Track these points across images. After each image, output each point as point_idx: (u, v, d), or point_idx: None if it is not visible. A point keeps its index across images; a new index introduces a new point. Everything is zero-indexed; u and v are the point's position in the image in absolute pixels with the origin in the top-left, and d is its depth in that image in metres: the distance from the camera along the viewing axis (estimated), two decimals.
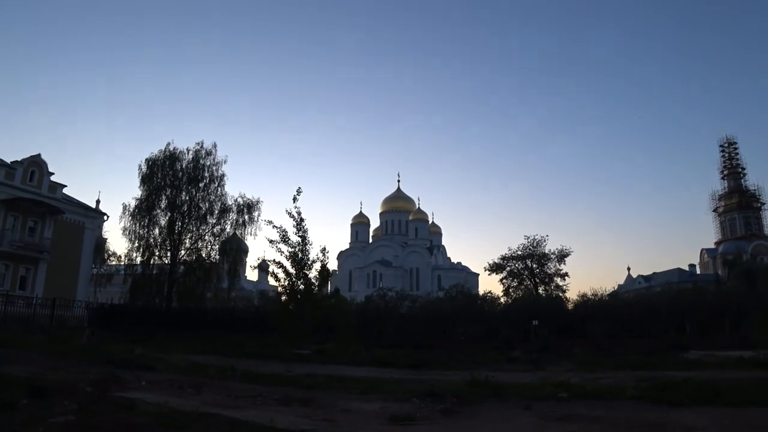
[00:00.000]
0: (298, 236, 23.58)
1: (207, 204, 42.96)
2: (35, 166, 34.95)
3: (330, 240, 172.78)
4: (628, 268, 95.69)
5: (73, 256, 36.52)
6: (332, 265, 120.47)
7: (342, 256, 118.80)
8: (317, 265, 24.18)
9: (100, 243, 52.27)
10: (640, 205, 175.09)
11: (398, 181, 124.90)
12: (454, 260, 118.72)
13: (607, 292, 48.47)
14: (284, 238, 23.37)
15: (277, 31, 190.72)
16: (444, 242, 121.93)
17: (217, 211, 43.41)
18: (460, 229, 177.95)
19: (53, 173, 35.94)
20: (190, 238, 42.19)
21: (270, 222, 24.99)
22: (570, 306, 45.78)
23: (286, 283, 24.02)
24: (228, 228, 44.51)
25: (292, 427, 7.11)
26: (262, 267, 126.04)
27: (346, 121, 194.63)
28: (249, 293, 70.92)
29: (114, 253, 49.95)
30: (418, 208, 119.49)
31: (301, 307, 23.10)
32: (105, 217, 40.41)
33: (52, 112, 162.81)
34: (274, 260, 24.36)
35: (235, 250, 45.81)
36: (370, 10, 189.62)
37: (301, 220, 23.67)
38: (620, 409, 8.18)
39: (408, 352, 23.07)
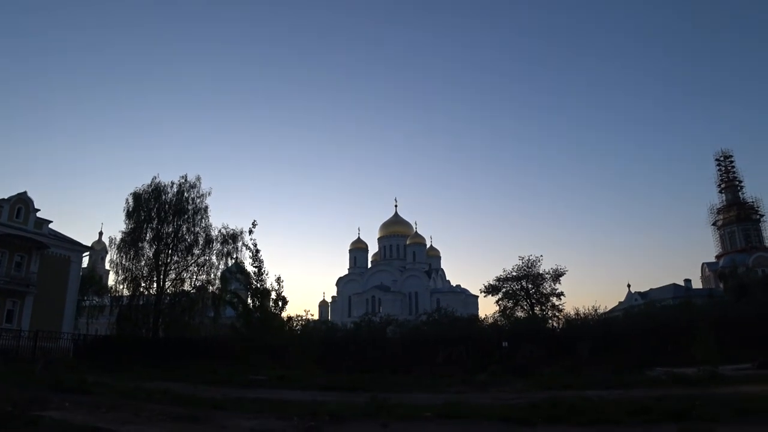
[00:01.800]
0: (254, 267, 24.68)
1: (191, 236, 43.96)
2: (21, 203, 36.49)
3: (329, 266, 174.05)
4: (629, 285, 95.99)
5: (59, 289, 37.79)
6: (331, 291, 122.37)
7: (341, 281, 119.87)
8: (273, 295, 25.12)
9: (94, 275, 53.58)
10: (641, 221, 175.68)
11: (395, 206, 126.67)
12: (454, 283, 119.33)
13: (605, 310, 48.79)
14: (240, 270, 24.50)
15: (269, 57, 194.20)
16: (443, 265, 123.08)
17: (201, 243, 44.37)
18: (459, 251, 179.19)
19: (39, 210, 37.47)
20: (175, 269, 43.14)
21: (229, 254, 26.02)
22: (563, 325, 46.09)
23: (242, 312, 25.01)
24: (213, 258, 45.29)
25: None
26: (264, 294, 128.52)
27: (343, 148, 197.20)
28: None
29: (105, 285, 51.05)
30: (416, 232, 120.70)
31: (258, 334, 24.06)
32: (91, 251, 41.55)
33: (39, 149, 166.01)
34: (231, 290, 25.41)
35: (222, 279, 46.55)
36: (360, 31, 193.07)
37: (257, 251, 24.78)
38: (465, 427, 9.14)
39: (372, 377, 23.86)
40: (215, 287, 45.46)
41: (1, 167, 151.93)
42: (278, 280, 25.17)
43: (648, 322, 39.62)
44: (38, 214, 37.48)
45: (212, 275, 44.94)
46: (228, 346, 30.04)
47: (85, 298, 49.14)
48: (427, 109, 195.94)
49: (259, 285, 23.44)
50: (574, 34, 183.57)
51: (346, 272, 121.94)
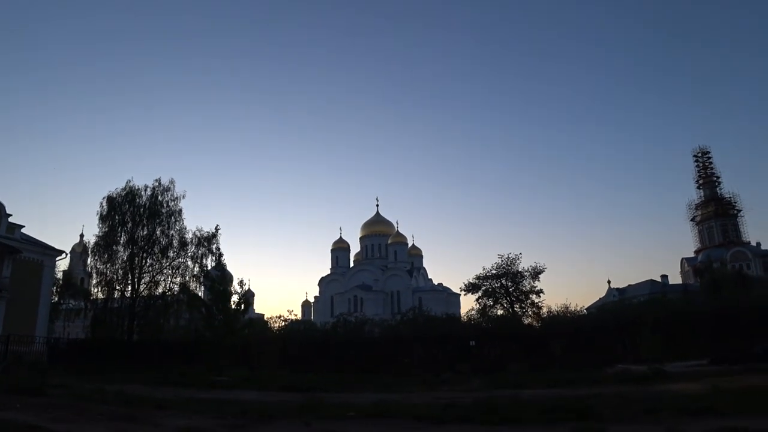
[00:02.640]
0: (216, 271, 25.25)
1: (166, 238, 44.30)
2: None
3: (312, 266, 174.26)
4: (609, 282, 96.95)
5: (33, 294, 37.92)
6: (314, 291, 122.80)
7: (323, 281, 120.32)
8: (235, 297, 25.68)
9: (72, 279, 53.59)
10: (622, 217, 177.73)
11: (377, 205, 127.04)
12: (436, 281, 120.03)
13: (580, 308, 49.53)
14: (205, 274, 25.05)
15: (252, 54, 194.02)
16: (425, 264, 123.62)
17: (176, 245, 44.65)
18: (441, 250, 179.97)
19: (11, 215, 37.58)
20: (150, 272, 43.44)
21: (204, 256, 26.49)
22: (537, 323, 46.80)
23: (204, 315, 25.57)
24: (188, 261, 45.51)
25: None
26: (247, 295, 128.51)
27: (324, 147, 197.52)
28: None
29: (84, 289, 51.14)
30: (397, 231, 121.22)
31: (220, 337, 24.62)
32: (64, 254, 41.76)
33: (9, 152, 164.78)
34: (194, 294, 25.93)
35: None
36: (345, 28, 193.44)
37: (220, 255, 25.37)
38: (380, 426, 9.83)
39: (336, 377, 24.59)
40: (190, 290, 46.12)
41: None
42: (241, 283, 25.74)
43: (614, 320, 40.53)
44: (10, 219, 37.65)
45: (187, 278, 45.51)
46: (198, 349, 30.50)
47: (62, 301, 49.21)
48: (408, 107, 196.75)
49: (221, 288, 23.98)
50: (553, 29, 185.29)
51: (329, 272, 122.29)
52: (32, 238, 39.65)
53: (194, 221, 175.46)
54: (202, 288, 27.75)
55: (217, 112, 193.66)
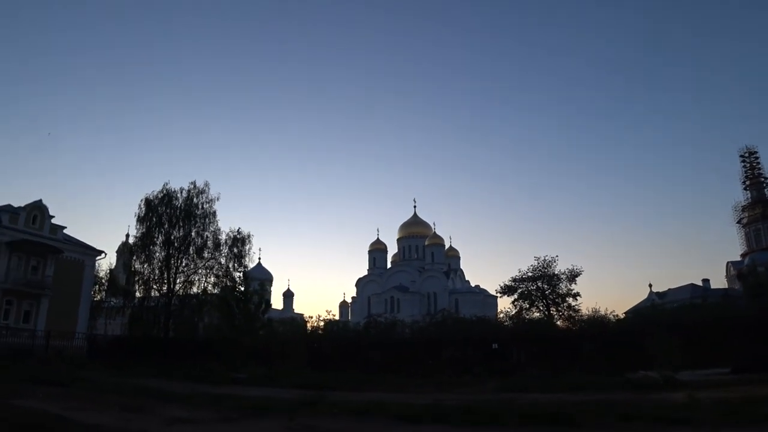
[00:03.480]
0: (238, 272, 26.23)
1: (200, 239, 45.85)
2: (37, 210, 38.79)
3: (350, 266, 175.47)
4: (650, 285, 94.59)
5: (74, 291, 39.93)
6: (352, 291, 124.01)
7: (360, 282, 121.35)
8: (255, 298, 26.55)
9: (114, 277, 55.76)
10: (665, 220, 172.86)
11: (414, 206, 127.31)
12: (474, 283, 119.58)
13: (613, 312, 48.83)
14: (227, 275, 26.02)
15: (289, 54, 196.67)
16: (462, 266, 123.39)
17: (210, 246, 46.11)
18: (479, 252, 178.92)
19: (54, 216, 39.71)
20: (185, 272, 44.98)
21: (237, 256, 27.47)
22: (569, 327, 46.27)
23: (226, 314, 26.53)
24: (222, 261, 46.90)
25: (91, 421, 9.77)
26: (287, 295, 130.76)
27: (362, 149, 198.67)
28: (274, 322, 73.10)
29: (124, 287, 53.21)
30: (434, 232, 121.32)
31: (241, 335, 25.52)
32: (104, 254, 43.72)
33: (53, 156, 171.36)
34: (216, 294, 26.90)
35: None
36: (377, 25, 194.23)
37: (242, 257, 26.28)
38: (361, 423, 10.33)
39: (352, 376, 25.10)
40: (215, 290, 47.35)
41: (18, 176, 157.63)
42: (261, 284, 26.64)
43: (643, 324, 39.83)
44: (53, 221, 39.73)
45: (220, 277, 46.94)
46: (224, 347, 31.56)
47: (104, 299, 51.27)
48: (446, 108, 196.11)
49: (242, 289, 25.04)
50: (597, 24, 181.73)
51: (366, 273, 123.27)
52: (74, 238, 41.66)
53: (234, 222, 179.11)
54: (242, 287, 28.93)
55: (256, 114, 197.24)
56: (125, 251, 46.50)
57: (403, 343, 41.13)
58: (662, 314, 48.32)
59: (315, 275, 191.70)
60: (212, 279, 42.65)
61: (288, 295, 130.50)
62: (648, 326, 36.23)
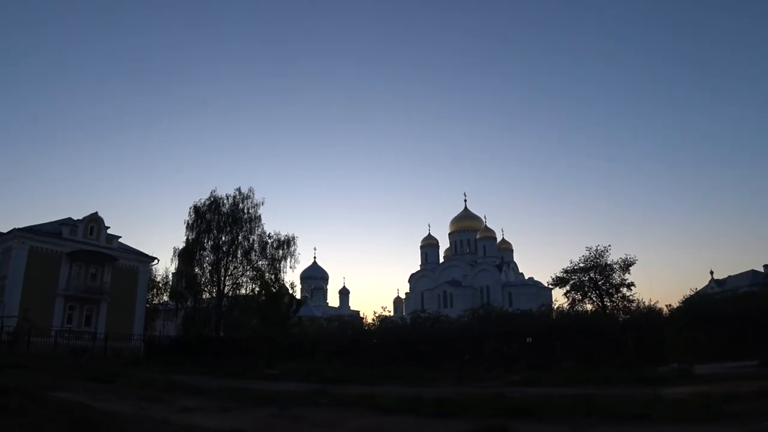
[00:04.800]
0: (270, 274, 27.68)
1: (247, 243, 47.97)
2: (94, 222, 41.82)
3: (404, 262, 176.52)
4: (711, 272, 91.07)
5: (130, 296, 42.83)
6: (404, 287, 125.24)
7: (413, 278, 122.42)
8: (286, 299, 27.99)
9: (169, 281, 58.79)
10: (726, 203, 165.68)
11: (465, 200, 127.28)
12: (528, 275, 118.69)
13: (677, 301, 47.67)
14: (261, 276, 27.56)
15: (334, 57, 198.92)
16: (516, 258, 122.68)
17: (256, 249, 48.10)
18: (532, 243, 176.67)
19: (109, 227, 42.69)
20: (233, 274, 47.14)
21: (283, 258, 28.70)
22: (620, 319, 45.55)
23: (259, 315, 28.10)
24: (268, 263, 48.75)
25: (110, 409, 11.35)
26: (343, 293, 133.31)
27: (410, 144, 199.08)
28: (317, 319, 74.98)
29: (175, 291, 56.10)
30: (485, 226, 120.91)
31: (274, 333, 27.02)
32: (156, 260, 46.53)
33: (108, 168, 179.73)
34: (251, 296, 28.44)
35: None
36: (425, 19, 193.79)
37: (274, 260, 27.74)
38: (341, 412, 11.36)
39: (383, 371, 26.18)
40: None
41: (77, 190, 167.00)
42: (292, 285, 28.14)
43: (684, 315, 38.96)
44: (109, 231, 42.69)
45: (266, 279, 48.91)
46: (264, 345, 33.36)
47: (160, 302, 54.26)
48: (491, 100, 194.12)
49: (274, 290, 26.55)
50: (668, 18, 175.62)
51: (418, 268, 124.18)
52: (128, 246, 44.53)
53: (289, 223, 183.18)
54: (274, 288, 30.57)
55: (307, 115, 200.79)
56: (176, 256, 49.04)
57: (441, 339, 41.82)
58: (708, 303, 46.99)
59: (370, 272, 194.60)
60: (258, 280, 44.62)
61: (344, 293, 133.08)
62: (681, 318, 35.55)
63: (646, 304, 47.64)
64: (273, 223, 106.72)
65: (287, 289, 30.68)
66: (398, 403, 11.82)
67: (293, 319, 33.40)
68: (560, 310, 53.46)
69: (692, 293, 70.52)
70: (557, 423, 9.81)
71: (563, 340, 37.49)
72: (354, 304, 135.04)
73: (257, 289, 34.20)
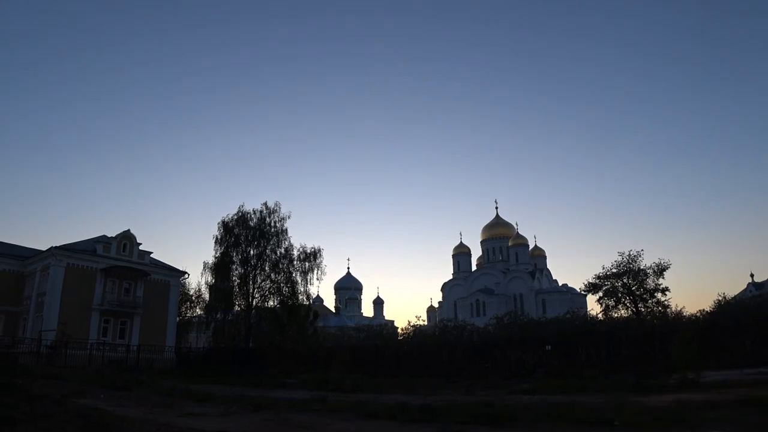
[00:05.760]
0: (287, 287, 28.67)
1: (274, 256, 49.14)
2: (126, 239, 43.77)
3: (436, 271, 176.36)
4: (751, 275, 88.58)
5: (162, 309, 44.57)
6: (438, 296, 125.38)
7: (446, 287, 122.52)
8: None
9: (201, 295, 60.49)
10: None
11: (496, 207, 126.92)
12: (562, 282, 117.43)
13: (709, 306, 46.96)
14: (278, 290, 28.59)
15: (365, 68, 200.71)
16: (549, 265, 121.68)
17: (284, 262, 49.20)
18: (566, 249, 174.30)
19: (141, 243, 44.50)
20: (261, 287, 48.33)
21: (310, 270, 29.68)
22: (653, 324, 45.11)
23: (275, 326, 29.11)
24: (295, 276, 49.66)
25: (122, 413, 12.45)
26: (377, 302, 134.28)
27: (440, 153, 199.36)
28: (346, 329, 76.00)
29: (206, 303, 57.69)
30: (517, 233, 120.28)
31: (292, 344, 28.00)
32: (187, 275, 48.15)
33: (141, 187, 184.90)
34: (274, 308, 29.45)
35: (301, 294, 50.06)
36: (456, 29, 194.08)
37: (291, 273, 28.76)
38: (325, 418, 12.19)
39: (392, 380, 26.84)
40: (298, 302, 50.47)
41: (109, 207, 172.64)
42: (308, 296, 29.13)
43: (710, 321, 38.47)
44: (141, 247, 44.56)
45: (296, 291, 49.96)
46: (282, 355, 34.48)
47: (193, 315, 56.00)
48: (522, 107, 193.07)
49: (293, 303, 27.57)
50: (697, 20, 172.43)
51: (450, 277, 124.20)
52: (160, 261, 46.35)
53: (323, 235, 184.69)
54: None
55: (342, 127, 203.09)
56: (206, 270, 50.74)
57: (465, 347, 42.11)
58: (736, 308, 46.20)
59: (405, 282, 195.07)
60: (275, 293, 45.78)
61: (378, 303, 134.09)
62: (724, 322, 34.94)
63: (676, 309, 47.12)
64: (305, 237, 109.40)
65: (305, 301, 31.73)
66: (384, 410, 12.55)
67: (310, 330, 34.44)
68: (586, 316, 53.13)
69: (720, 298, 69.04)
70: (517, 429, 10.42)
71: (586, 348, 37.44)
72: (389, 314, 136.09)
73: (277, 302, 35.50)
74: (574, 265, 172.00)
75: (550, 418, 11.33)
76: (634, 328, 42.87)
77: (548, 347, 35.91)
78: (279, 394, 19.23)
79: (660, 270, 49.44)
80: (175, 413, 13.42)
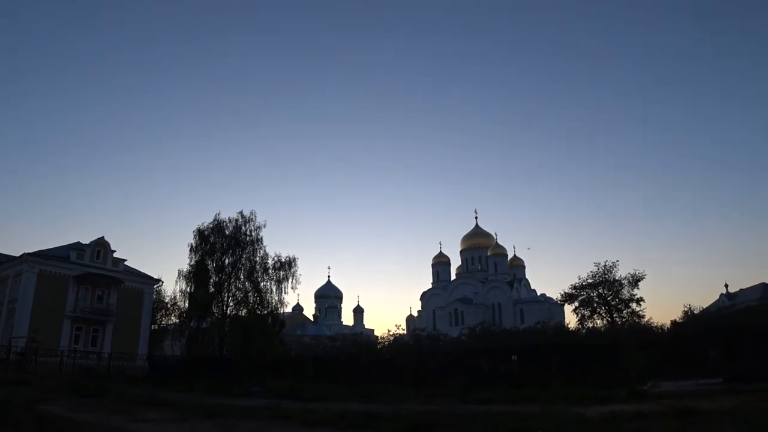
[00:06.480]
0: (255, 297, 29.19)
1: (249, 264, 49.42)
2: (100, 246, 43.89)
3: (416, 280, 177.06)
4: (726, 285, 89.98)
5: (135, 317, 44.67)
6: (417, 305, 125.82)
7: (425, 296, 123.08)
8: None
9: (176, 303, 60.38)
10: (742, 216, 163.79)
11: (476, 218, 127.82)
12: (540, 292, 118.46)
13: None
14: (245, 300, 29.09)
15: (343, 76, 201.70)
16: (528, 274, 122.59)
17: (258, 271, 49.48)
18: (545, 259, 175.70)
19: (115, 250, 44.72)
20: (235, 295, 48.57)
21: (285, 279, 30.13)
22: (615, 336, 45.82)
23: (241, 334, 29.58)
24: (269, 284, 49.93)
25: (79, 419, 12.89)
26: (357, 311, 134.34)
27: (420, 162, 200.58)
28: (321, 338, 76.36)
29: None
30: (496, 243, 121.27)
31: (259, 352, 28.46)
32: (161, 282, 48.41)
33: (116, 194, 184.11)
34: (237, 317, 29.96)
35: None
36: (434, 38, 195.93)
37: (257, 283, 29.28)
38: (267, 424, 12.74)
39: (354, 389, 27.22)
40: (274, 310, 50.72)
41: (84, 214, 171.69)
42: (280, 305, 29.68)
43: (673, 332, 39.55)
44: (115, 254, 44.66)
45: (267, 300, 50.26)
46: (249, 363, 34.85)
47: (168, 323, 55.97)
48: (502, 119, 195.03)
49: (259, 312, 28.11)
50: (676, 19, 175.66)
51: (430, 286, 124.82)
52: (134, 269, 46.47)
53: (302, 244, 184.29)
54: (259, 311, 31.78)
55: (320, 133, 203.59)
56: (181, 278, 50.82)
57: (438, 356, 42.61)
58: (702, 319, 47.45)
59: (385, 291, 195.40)
60: (253, 301, 46.06)
61: (358, 311, 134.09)
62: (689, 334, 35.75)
63: (648, 320, 48.13)
64: (286, 245, 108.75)
65: (279, 309, 32.15)
66: (329, 417, 13.12)
67: (276, 339, 34.94)
68: (557, 326, 54.00)
69: (686, 309, 70.05)
70: None
71: (554, 357, 38.11)
72: (369, 323, 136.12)
73: (245, 311, 36.00)
74: (552, 275, 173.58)
75: (477, 427, 12.00)
76: (603, 338, 43.77)
77: (514, 357, 36.53)
78: (241, 402, 19.65)
79: (635, 280, 50.28)
80: (129, 419, 13.87)
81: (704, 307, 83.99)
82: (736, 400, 14.63)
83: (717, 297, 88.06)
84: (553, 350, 37.88)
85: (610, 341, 38.47)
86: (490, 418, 12.86)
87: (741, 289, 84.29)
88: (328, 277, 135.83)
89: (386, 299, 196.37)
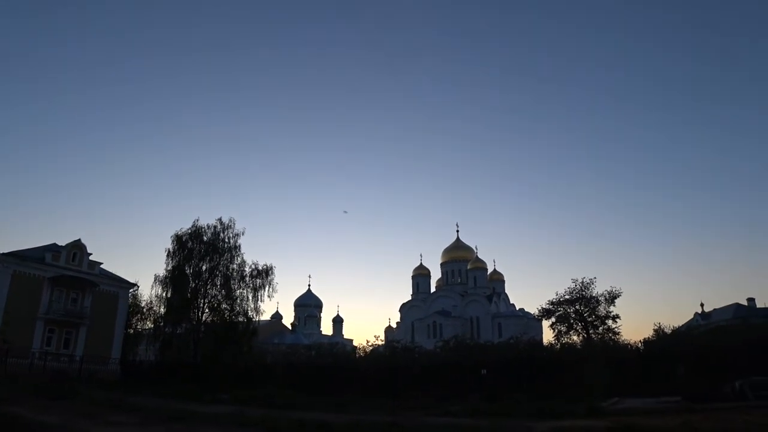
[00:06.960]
0: (227, 305, 29.45)
1: (226, 271, 49.43)
2: (77, 248, 43.81)
3: (395, 291, 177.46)
4: (701, 305, 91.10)
5: (109, 321, 44.60)
6: (396, 317, 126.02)
7: (404, 307, 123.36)
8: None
9: (152, 307, 60.09)
10: (718, 235, 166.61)
11: (457, 231, 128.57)
12: (519, 306, 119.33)
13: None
14: (217, 307, 29.31)
15: (332, 80, 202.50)
16: (508, 289, 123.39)
17: (235, 278, 49.50)
18: (524, 274, 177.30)
19: (91, 253, 44.56)
20: (211, 302, 48.48)
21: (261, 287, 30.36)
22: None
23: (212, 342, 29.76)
24: (245, 292, 49.86)
25: (43, 420, 13.15)
26: (336, 321, 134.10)
27: (403, 174, 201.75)
28: (297, 347, 76.01)
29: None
30: (476, 256, 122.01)
31: (231, 359, 28.65)
32: (136, 286, 48.29)
33: (94, 196, 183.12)
34: (210, 323, 30.07)
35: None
36: (423, 48, 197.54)
37: (230, 290, 29.51)
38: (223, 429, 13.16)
39: (322, 399, 27.58)
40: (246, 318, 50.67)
41: (61, 215, 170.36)
42: (255, 312, 29.95)
43: (647, 349, 40.12)
44: (91, 257, 44.59)
45: (244, 307, 50.24)
46: (219, 371, 35.00)
47: (144, 327, 55.71)
48: (485, 132, 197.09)
49: (230, 319, 28.38)
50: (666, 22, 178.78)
51: (409, 298, 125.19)
52: (109, 272, 46.40)
53: (283, 253, 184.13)
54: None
55: (300, 143, 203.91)
56: (156, 283, 50.71)
57: (412, 369, 42.88)
58: (673, 337, 48.25)
59: (365, 301, 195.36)
60: (224, 308, 46.12)
61: (338, 321, 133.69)
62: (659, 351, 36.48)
63: (621, 338, 48.84)
64: (265, 253, 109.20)
65: (254, 317, 32.38)
66: (286, 425, 13.54)
67: (245, 347, 35.23)
68: (531, 341, 54.52)
69: (656, 327, 71.16)
70: None
71: (524, 372, 38.63)
72: (348, 333, 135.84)
73: (217, 317, 36.22)
74: (531, 290, 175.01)
75: None
76: (573, 354, 44.37)
77: (484, 371, 37.04)
78: (208, 409, 19.95)
79: (611, 298, 51.04)
80: (94, 422, 14.19)
81: (677, 326, 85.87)
82: (682, 419, 15.24)
83: (690, 316, 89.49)
84: (523, 365, 38.37)
85: (579, 357, 39.20)
86: (443, 430, 13.37)
87: (715, 309, 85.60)
88: (309, 285, 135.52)
89: (366, 310, 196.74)
